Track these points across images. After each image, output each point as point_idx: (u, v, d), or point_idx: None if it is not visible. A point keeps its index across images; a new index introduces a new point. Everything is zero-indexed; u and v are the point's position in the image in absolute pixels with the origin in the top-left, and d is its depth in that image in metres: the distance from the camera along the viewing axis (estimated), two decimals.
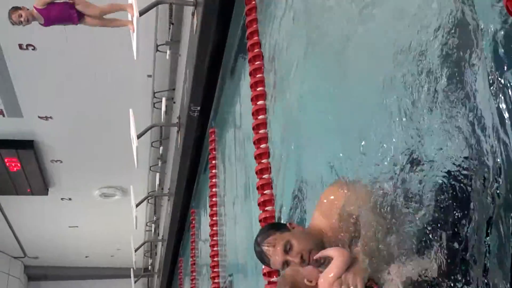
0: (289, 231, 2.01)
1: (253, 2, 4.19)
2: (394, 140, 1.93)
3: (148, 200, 12.15)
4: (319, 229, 2.04)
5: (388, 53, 2.04)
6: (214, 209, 5.82)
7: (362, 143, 2.20)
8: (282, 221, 3.26)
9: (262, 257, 2.01)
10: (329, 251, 1.82)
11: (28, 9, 4.81)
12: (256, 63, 3.91)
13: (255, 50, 3.99)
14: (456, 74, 1.64)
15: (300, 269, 1.97)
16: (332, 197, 2.10)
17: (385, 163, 1.95)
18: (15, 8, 4.79)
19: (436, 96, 1.72)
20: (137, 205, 8.60)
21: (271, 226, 2.20)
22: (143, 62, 7.88)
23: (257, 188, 3.61)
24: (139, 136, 6.51)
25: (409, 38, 1.90)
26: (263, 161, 3.59)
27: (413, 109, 1.84)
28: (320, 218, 2.08)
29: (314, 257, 1.90)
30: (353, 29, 2.45)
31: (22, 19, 4.75)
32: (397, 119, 1.93)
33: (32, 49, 7.78)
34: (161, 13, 7.13)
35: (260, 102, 3.71)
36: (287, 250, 1.92)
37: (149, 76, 8.54)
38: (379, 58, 2.17)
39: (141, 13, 4.76)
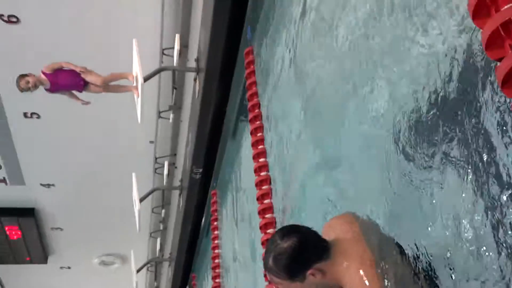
0: (301, 282, 1.92)
1: (252, 66, 4.40)
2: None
3: (148, 268, 12.04)
4: (337, 280, 1.93)
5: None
6: (216, 271, 5.81)
7: None
8: None
9: (267, 274, 2.05)
10: None
11: (34, 75, 5.02)
12: (257, 122, 4.07)
13: (255, 111, 4.15)
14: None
15: None
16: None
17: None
18: (22, 75, 5.01)
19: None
20: (138, 271, 8.54)
21: (290, 262, 1.89)
22: (145, 129, 8.06)
23: (262, 244, 3.62)
24: (141, 200, 6.59)
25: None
26: (267, 216, 3.64)
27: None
28: (345, 263, 1.90)
29: None
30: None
31: (30, 85, 4.97)
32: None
33: (37, 117, 7.96)
34: (163, 81, 7.38)
35: (261, 160, 3.83)
36: None
37: (151, 142, 8.70)
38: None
39: (146, 79, 4.97)
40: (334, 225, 2.11)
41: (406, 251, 1.87)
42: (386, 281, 1.78)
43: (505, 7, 1.18)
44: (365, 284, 1.79)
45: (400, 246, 1.90)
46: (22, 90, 5.05)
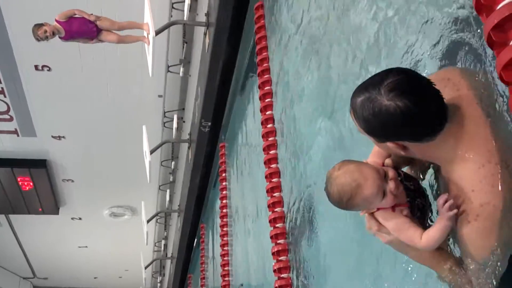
0: (376, 141, 1.59)
1: (262, 21, 4.46)
2: None
3: (157, 220, 12.35)
4: (430, 158, 1.62)
5: None
6: (224, 220, 6.00)
7: None
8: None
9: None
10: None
11: (49, 24, 5.09)
12: (265, 76, 4.16)
13: (264, 65, 4.24)
14: None
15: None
16: None
17: None
18: (39, 25, 5.07)
19: None
20: (148, 221, 8.79)
21: (378, 126, 1.47)
22: (154, 83, 8.17)
23: (268, 206, 3.74)
24: (151, 151, 6.75)
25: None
26: (273, 180, 3.75)
27: None
28: None
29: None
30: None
31: (47, 34, 5.03)
32: None
33: (48, 70, 8.08)
34: (172, 35, 7.45)
35: (268, 112, 3.95)
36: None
37: (160, 96, 8.82)
38: None
39: (157, 33, 5.04)
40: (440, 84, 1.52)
41: None
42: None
43: None
44: (485, 186, 1.44)
45: None
46: (39, 39, 5.11)
